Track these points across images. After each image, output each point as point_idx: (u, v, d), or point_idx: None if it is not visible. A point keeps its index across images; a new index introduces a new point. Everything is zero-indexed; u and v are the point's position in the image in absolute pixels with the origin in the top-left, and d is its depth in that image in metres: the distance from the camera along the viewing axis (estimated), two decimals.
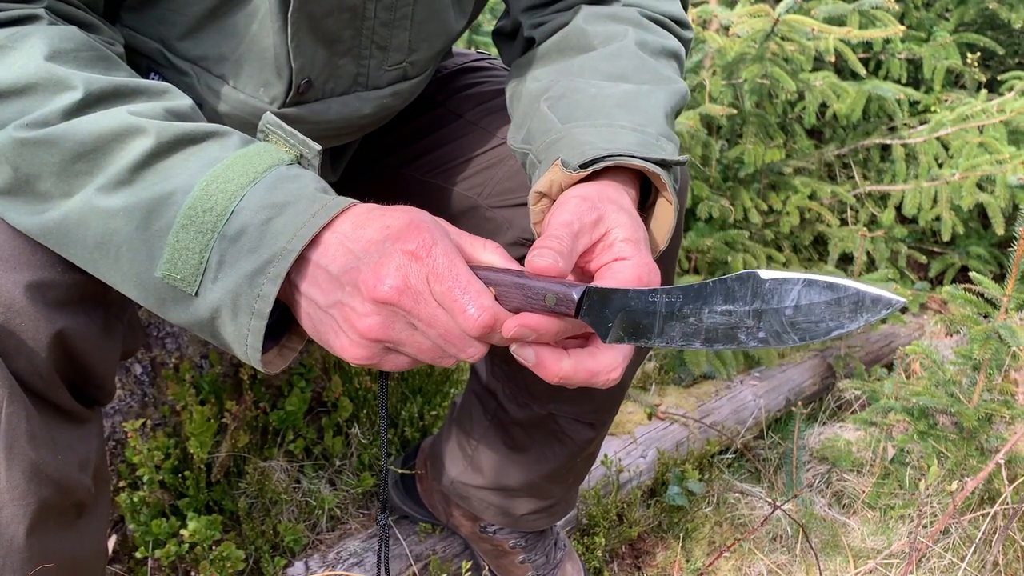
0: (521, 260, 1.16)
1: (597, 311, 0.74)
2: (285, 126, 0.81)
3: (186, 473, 1.54)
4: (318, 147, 0.81)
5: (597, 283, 0.77)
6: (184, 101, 0.82)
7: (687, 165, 0.95)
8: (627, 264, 0.79)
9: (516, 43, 1.18)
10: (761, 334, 0.70)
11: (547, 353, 0.75)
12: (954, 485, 1.38)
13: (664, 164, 0.89)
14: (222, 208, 0.73)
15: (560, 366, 0.75)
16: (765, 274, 0.70)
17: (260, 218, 0.73)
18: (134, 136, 0.75)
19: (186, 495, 1.55)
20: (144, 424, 1.52)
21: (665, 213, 0.91)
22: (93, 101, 0.77)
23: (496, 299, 0.74)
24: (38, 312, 0.78)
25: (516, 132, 1.03)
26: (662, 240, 0.91)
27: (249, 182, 0.74)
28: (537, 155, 0.95)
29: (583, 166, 0.86)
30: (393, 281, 0.71)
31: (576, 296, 0.73)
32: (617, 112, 0.94)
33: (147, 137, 0.75)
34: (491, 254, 0.78)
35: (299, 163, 0.81)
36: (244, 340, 0.75)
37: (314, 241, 0.75)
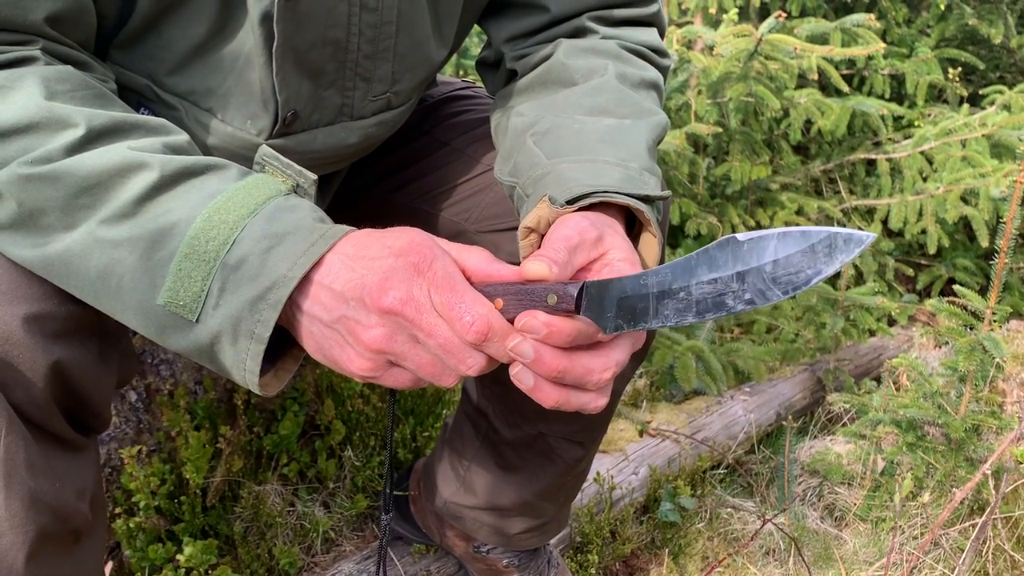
0: None
1: (596, 304, 0.77)
2: (281, 157, 0.84)
3: (182, 498, 1.55)
4: (314, 176, 0.84)
5: None
6: (181, 136, 0.85)
7: (670, 187, 0.98)
8: None
9: (499, 73, 1.21)
10: (747, 295, 0.73)
11: (545, 348, 0.77)
12: (926, 497, 1.40)
13: (648, 199, 0.92)
14: (224, 238, 0.76)
15: (558, 360, 0.77)
16: (742, 236, 0.74)
17: (261, 247, 0.76)
18: (137, 171, 0.78)
19: (182, 520, 1.56)
20: (140, 451, 1.53)
21: (650, 245, 0.94)
22: (95, 137, 0.79)
23: (504, 308, 0.77)
24: (35, 344, 0.80)
25: (503, 165, 1.06)
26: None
27: (249, 213, 0.77)
28: (524, 189, 0.98)
29: (570, 202, 0.89)
30: (398, 292, 0.74)
31: (574, 292, 0.76)
32: (601, 147, 0.96)
33: (151, 171, 0.78)
34: (477, 256, 0.81)
35: (296, 192, 0.84)
36: (243, 364, 0.77)
37: (317, 262, 0.78)
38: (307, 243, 0.77)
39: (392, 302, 0.74)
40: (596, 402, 0.81)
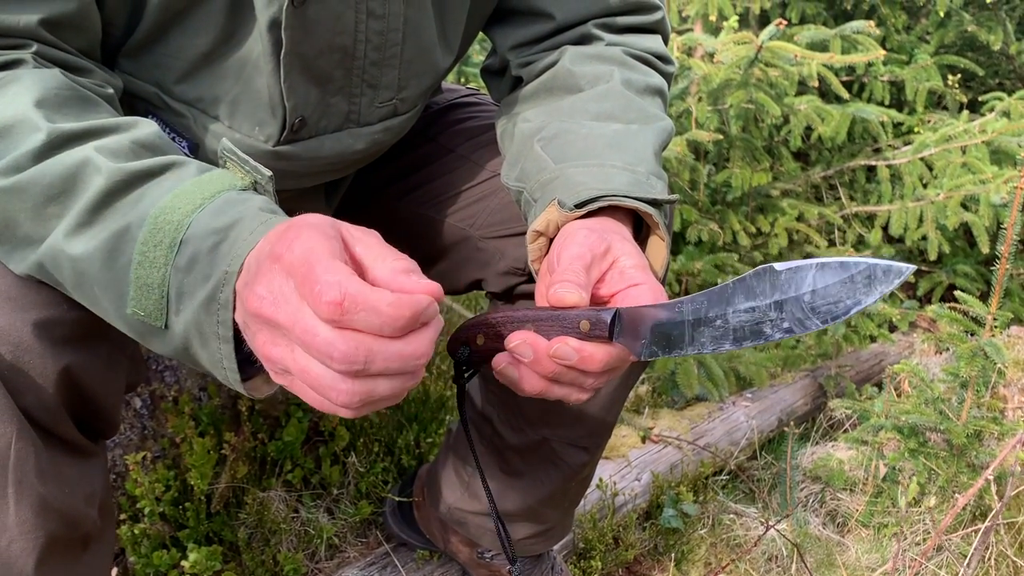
0: (512, 289, 1.19)
1: (629, 331, 0.77)
2: (239, 152, 0.80)
3: (186, 504, 1.55)
4: (269, 173, 0.79)
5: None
6: (151, 130, 0.82)
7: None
8: (642, 288, 0.82)
9: (504, 80, 1.22)
10: (785, 324, 0.74)
11: (542, 354, 0.78)
12: (931, 502, 1.41)
13: (655, 203, 0.93)
14: (171, 240, 0.72)
15: (552, 363, 0.78)
16: (780, 266, 0.74)
17: (207, 244, 0.72)
18: (91, 174, 0.75)
19: (186, 526, 1.56)
20: (144, 457, 1.54)
21: (658, 248, 0.94)
22: (61, 142, 0.77)
23: (535, 334, 0.77)
24: (45, 349, 0.80)
25: (510, 170, 1.07)
26: (658, 272, 0.94)
27: (195, 209, 0.74)
28: (532, 194, 0.98)
29: (578, 206, 0.89)
30: (260, 289, 0.67)
31: (607, 319, 0.77)
32: (608, 152, 0.97)
33: (99, 175, 0.75)
34: (365, 242, 0.70)
35: (255, 190, 0.80)
36: (220, 364, 0.74)
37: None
38: (247, 231, 0.72)
39: (255, 302, 0.67)
40: (580, 395, 0.82)
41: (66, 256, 0.75)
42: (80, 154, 0.76)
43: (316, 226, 0.68)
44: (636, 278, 0.83)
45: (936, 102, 3.74)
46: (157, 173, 0.77)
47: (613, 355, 0.78)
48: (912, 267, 0.72)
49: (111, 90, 0.91)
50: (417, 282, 0.66)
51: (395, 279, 0.67)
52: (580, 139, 1.00)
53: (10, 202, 0.76)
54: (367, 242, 0.70)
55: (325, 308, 0.63)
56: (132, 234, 0.73)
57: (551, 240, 0.92)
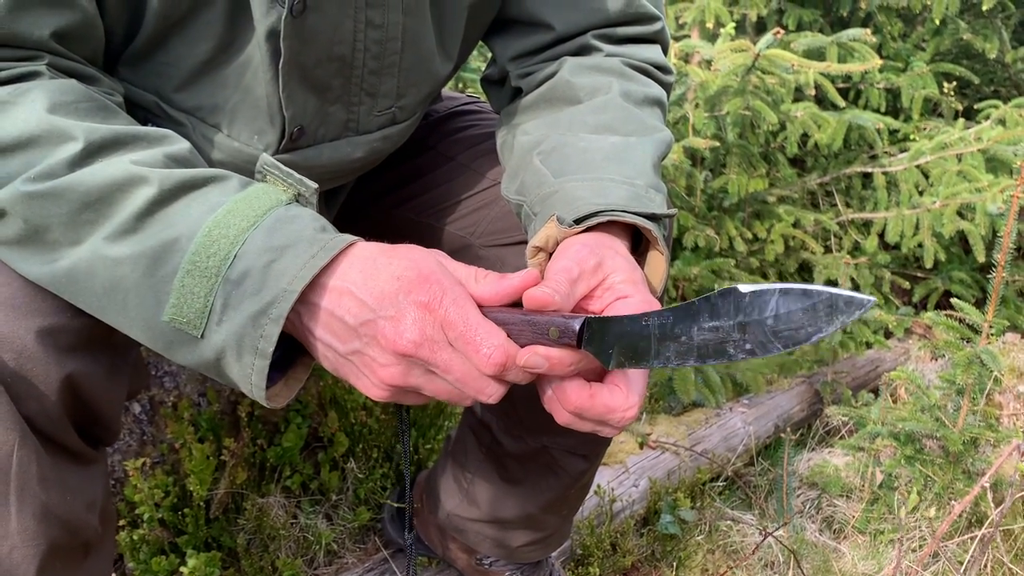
0: None
1: (598, 340, 0.78)
2: (281, 166, 0.84)
3: (185, 510, 1.55)
4: (314, 185, 0.84)
5: None
6: (183, 145, 0.85)
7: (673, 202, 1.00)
8: (629, 301, 0.83)
9: (504, 90, 1.22)
10: (748, 345, 0.74)
11: (569, 381, 0.80)
12: (932, 511, 1.41)
13: (654, 217, 0.93)
14: (225, 253, 0.76)
15: (579, 395, 0.80)
16: (744, 288, 0.75)
17: (262, 261, 0.76)
18: (137, 185, 0.78)
19: (185, 532, 1.56)
20: (143, 463, 1.54)
21: (657, 262, 0.95)
22: (95, 150, 0.79)
23: (508, 337, 0.79)
24: (49, 357, 0.80)
25: (509, 183, 1.07)
26: (657, 286, 0.95)
27: (250, 226, 0.77)
28: (531, 207, 0.99)
29: (577, 221, 0.90)
30: (411, 335, 0.76)
31: (576, 327, 0.78)
32: (607, 165, 0.98)
33: (149, 186, 0.78)
34: (483, 283, 0.82)
35: (297, 201, 0.84)
36: (249, 379, 0.78)
37: (325, 288, 0.78)
38: (308, 255, 0.77)
39: (407, 345, 0.76)
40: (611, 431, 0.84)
41: (107, 260, 0.77)
42: (120, 164, 0.79)
43: (449, 275, 0.80)
44: (625, 291, 0.84)
45: (932, 109, 3.75)
46: (200, 184, 0.81)
47: (583, 361, 0.80)
48: (873, 300, 0.72)
49: (120, 98, 0.92)
50: (506, 281, 0.81)
51: (490, 289, 0.81)
52: (579, 152, 1.00)
53: (44, 208, 0.77)
54: (458, 268, 0.82)
55: (491, 367, 0.77)
56: (180, 245, 0.77)
57: (550, 255, 0.92)
